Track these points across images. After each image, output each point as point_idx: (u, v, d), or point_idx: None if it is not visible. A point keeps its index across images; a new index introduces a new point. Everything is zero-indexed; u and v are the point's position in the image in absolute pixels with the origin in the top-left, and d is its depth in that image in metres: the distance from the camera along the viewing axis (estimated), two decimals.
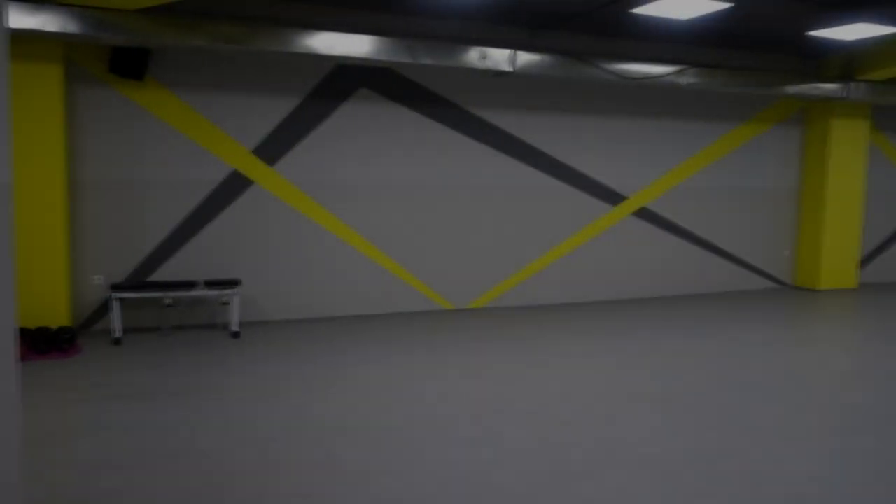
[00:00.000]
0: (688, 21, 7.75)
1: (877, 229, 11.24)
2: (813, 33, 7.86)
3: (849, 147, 10.23)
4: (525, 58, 7.62)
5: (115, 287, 6.71)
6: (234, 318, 6.95)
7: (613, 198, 9.26)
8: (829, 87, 9.31)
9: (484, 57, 7.38)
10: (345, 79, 7.75)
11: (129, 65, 6.72)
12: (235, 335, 6.89)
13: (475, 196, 8.50)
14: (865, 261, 11.20)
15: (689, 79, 8.49)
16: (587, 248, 9.18)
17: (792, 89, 9.14)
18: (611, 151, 9.18)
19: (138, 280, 7.12)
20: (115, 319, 6.60)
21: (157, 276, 7.21)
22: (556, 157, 8.86)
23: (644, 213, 9.49)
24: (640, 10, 6.83)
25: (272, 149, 7.55)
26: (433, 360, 6.17)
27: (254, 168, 7.50)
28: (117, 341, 6.55)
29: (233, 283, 7.02)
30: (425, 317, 8.05)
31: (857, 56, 9.26)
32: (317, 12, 7.40)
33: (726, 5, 6.59)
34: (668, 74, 8.38)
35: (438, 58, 7.23)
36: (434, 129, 8.20)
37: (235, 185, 7.44)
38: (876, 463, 4.07)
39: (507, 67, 7.52)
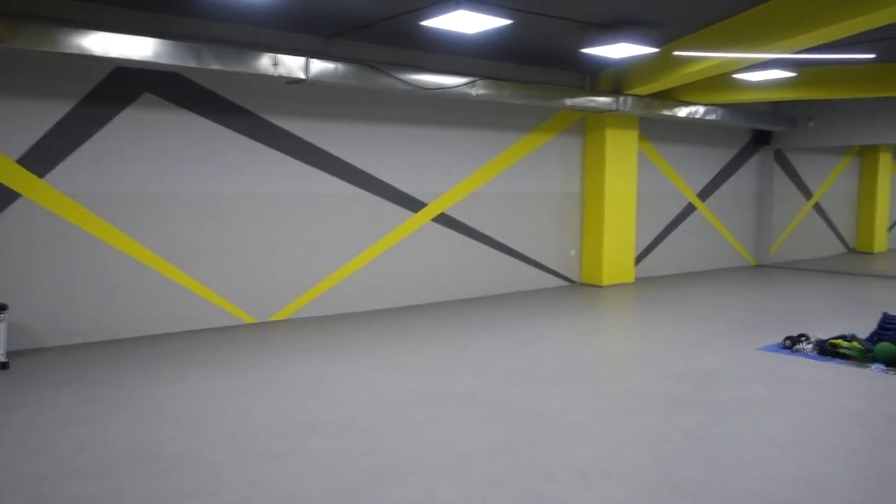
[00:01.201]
0: (476, 35, 8.13)
1: (648, 229, 12.50)
2: (585, 51, 8.57)
3: (622, 154, 11.27)
4: (319, 66, 7.57)
5: None
6: (1, 346, 6.20)
7: (413, 204, 9.47)
8: (603, 100, 10.20)
9: (276, 63, 7.23)
10: (126, 83, 7.23)
11: None
12: (3, 366, 6.15)
13: (274, 205, 8.30)
14: (640, 257, 12.40)
15: (479, 90, 8.91)
16: (390, 255, 9.31)
17: (571, 102, 9.90)
18: (410, 159, 9.38)
19: None
20: None
21: None
22: (355, 165, 8.90)
23: (443, 219, 9.80)
24: (429, 23, 7.04)
25: (42, 158, 6.85)
26: (234, 377, 5.92)
27: (19, 180, 6.75)
28: None
29: None
30: (225, 332, 7.71)
31: (625, 73, 10.23)
32: (93, 11, 6.83)
33: (507, 22, 7.00)
34: (460, 86, 8.73)
35: (227, 63, 6.97)
36: (228, 137, 7.89)
37: None
38: (654, 440, 4.50)
39: (300, 75, 7.43)
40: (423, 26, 7.60)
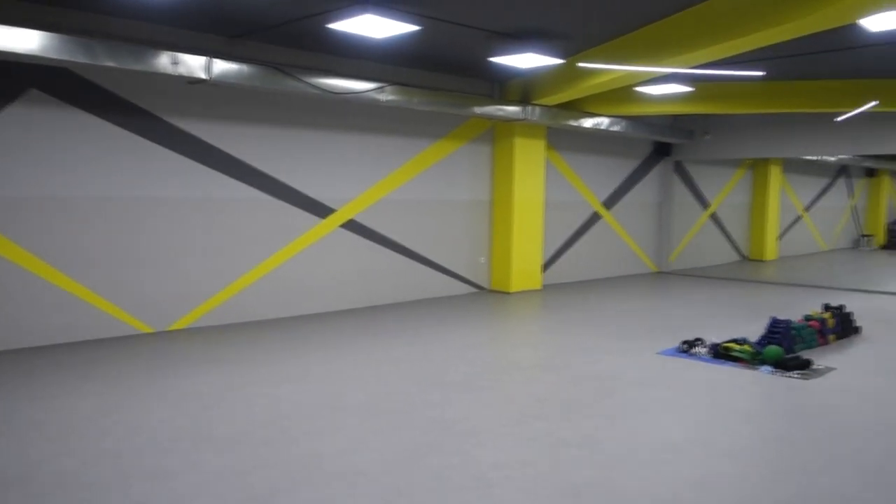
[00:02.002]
0: (385, 40, 8.08)
1: (555, 237, 12.75)
2: (494, 59, 8.66)
3: (530, 163, 11.46)
4: (222, 66, 7.33)
5: None
6: None
7: (321, 210, 9.31)
8: (511, 109, 10.34)
9: (176, 62, 6.96)
10: (8, 78, 6.78)
11: None
12: None
13: (172, 210, 7.97)
14: (547, 264, 12.63)
15: (388, 96, 8.85)
16: (297, 261, 9.11)
17: (480, 110, 9.99)
18: (318, 164, 9.22)
19: None
20: None
21: None
22: (261, 170, 8.66)
23: (352, 225, 9.68)
24: (336, 26, 6.94)
25: None
26: (123, 389, 5.61)
27: None
28: None
29: None
30: (119, 343, 7.33)
31: (533, 83, 10.41)
32: None
33: (415, 28, 6.98)
34: (369, 91, 8.65)
35: (122, 60, 6.64)
36: (123, 137, 7.52)
37: None
38: (555, 444, 4.54)
39: (202, 75, 7.17)
40: (330, 29, 7.49)
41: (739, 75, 10.01)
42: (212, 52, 7.58)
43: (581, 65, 8.52)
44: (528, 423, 4.96)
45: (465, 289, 11.34)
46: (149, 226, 7.79)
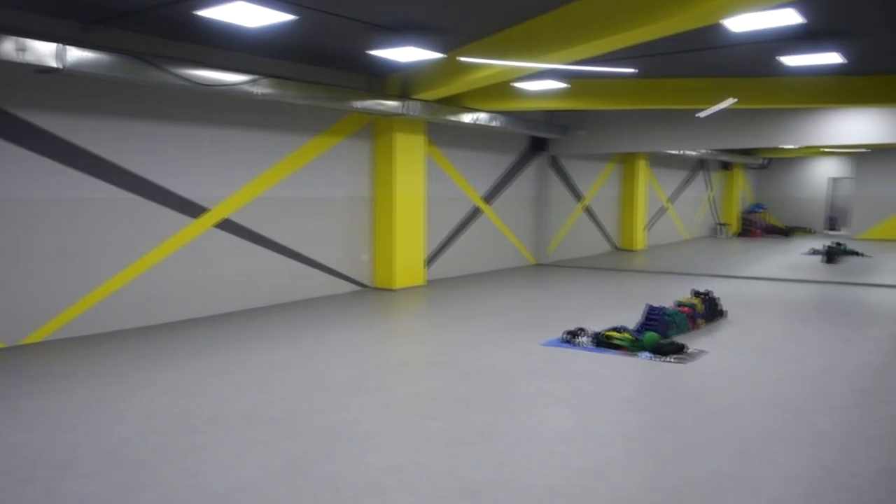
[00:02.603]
0: (259, 31, 7.71)
1: (437, 232, 12.74)
2: (373, 53, 8.48)
3: (411, 159, 11.36)
4: (77, 54, 6.73)
5: None
6: None
7: (193, 210, 8.79)
8: (391, 103, 10.19)
9: (22, 49, 6.30)
10: None
11: None
12: None
13: (26, 212, 7.25)
14: (430, 260, 12.60)
15: (263, 89, 8.47)
16: (167, 264, 8.55)
17: (359, 104, 9.77)
18: (189, 161, 8.70)
19: None
20: None
21: None
22: (125, 167, 8.06)
23: (227, 225, 9.21)
24: (205, 13, 6.54)
25: None
26: None
27: None
28: None
29: None
30: None
31: (412, 77, 10.31)
32: None
33: (290, 17, 6.69)
34: (242, 84, 8.24)
35: None
36: None
37: None
38: (448, 443, 4.45)
39: (53, 63, 6.54)
40: (199, 17, 7.04)
41: (613, 72, 10.36)
42: (66, 40, 6.93)
43: (462, 59, 8.50)
44: (421, 423, 4.85)
45: (348, 287, 11.10)
46: None
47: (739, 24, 6.68)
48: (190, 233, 8.78)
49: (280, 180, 9.86)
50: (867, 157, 22.96)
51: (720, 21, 6.38)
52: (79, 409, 5.12)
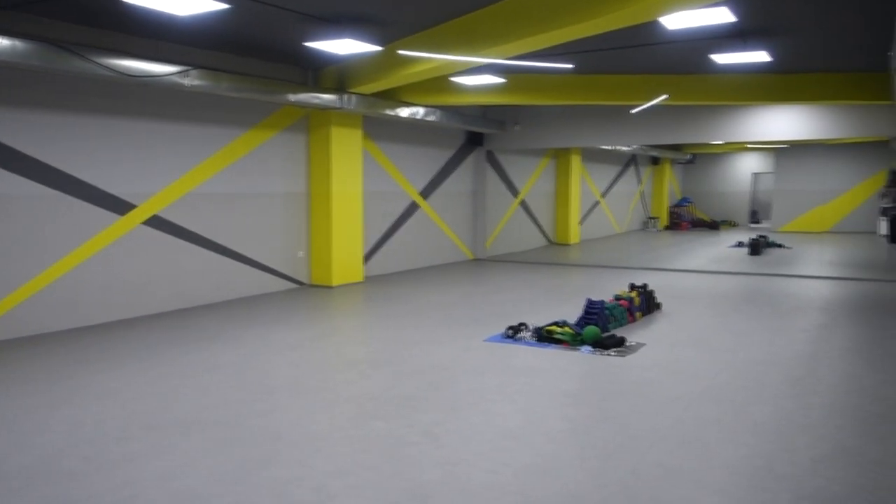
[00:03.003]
0: (190, 20, 7.42)
1: (374, 227, 12.59)
2: (309, 44, 8.28)
3: (347, 153, 11.18)
4: None
5: None
6: None
7: (120, 206, 8.41)
8: (327, 97, 10.00)
9: None
10: None
11: None
12: None
13: None
14: (368, 256, 12.45)
15: (193, 81, 8.16)
16: (92, 264, 8.16)
17: (294, 97, 9.55)
18: (115, 155, 8.31)
19: None
20: None
21: None
22: (44, 161, 7.63)
23: (156, 222, 8.85)
24: (132, 1, 6.22)
25: None
26: None
27: None
28: None
29: None
30: None
31: (349, 70, 10.13)
32: None
33: (223, 6, 6.45)
34: (171, 75, 7.92)
35: None
36: None
37: None
38: (395, 444, 4.36)
39: None
40: (125, 4, 6.72)
41: (550, 67, 10.42)
42: None
43: (400, 52, 8.40)
44: (365, 424, 4.75)
45: (284, 285, 10.86)
46: None
47: (675, 21, 6.79)
48: (116, 230, 8.40)
49: (212, 175, 9.55)
50: (786, 152, 23.92)
51: (657, 18, 6.48)
52: (3, 419, 4.82)
